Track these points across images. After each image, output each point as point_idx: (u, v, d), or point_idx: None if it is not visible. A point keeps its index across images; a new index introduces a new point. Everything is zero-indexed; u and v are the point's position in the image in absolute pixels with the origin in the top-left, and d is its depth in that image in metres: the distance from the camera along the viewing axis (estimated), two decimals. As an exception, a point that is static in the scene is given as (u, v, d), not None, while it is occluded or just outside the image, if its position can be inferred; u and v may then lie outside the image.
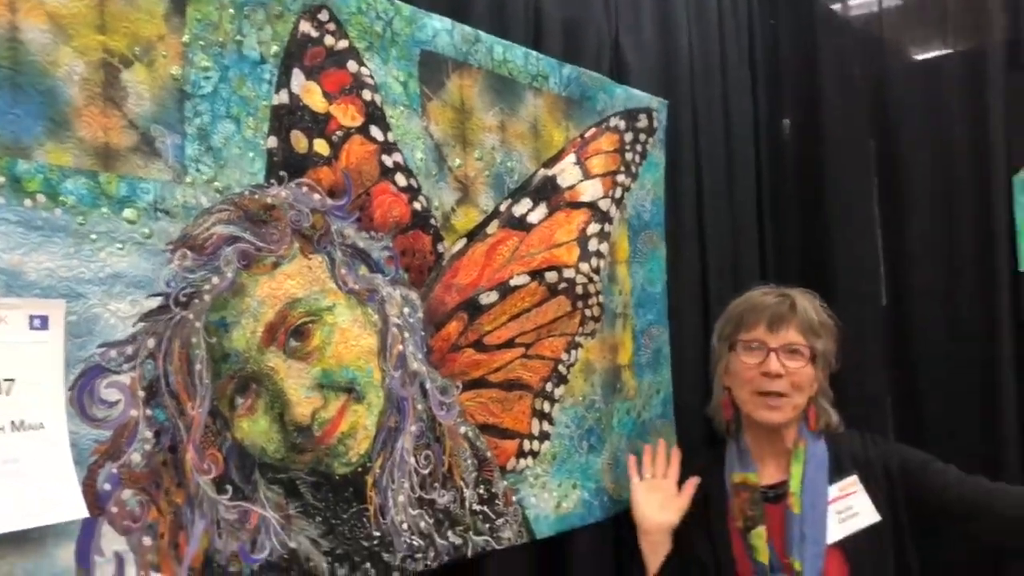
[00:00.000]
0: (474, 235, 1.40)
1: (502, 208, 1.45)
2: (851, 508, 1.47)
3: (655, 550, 1.52)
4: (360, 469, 1.21)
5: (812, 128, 2.17)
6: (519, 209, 1.49)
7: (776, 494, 1.49)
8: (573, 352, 1.59)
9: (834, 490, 1.48)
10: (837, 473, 1.50)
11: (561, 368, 1.56)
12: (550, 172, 1.56)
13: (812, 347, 1.49)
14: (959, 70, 1.98)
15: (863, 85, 2.10)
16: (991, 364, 1.88)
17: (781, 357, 1.47)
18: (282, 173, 1.15)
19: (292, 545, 1.13)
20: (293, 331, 1.14)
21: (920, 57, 2.06)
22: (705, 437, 1.89)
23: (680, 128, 1.91)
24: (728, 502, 1.51)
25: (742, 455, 1.53)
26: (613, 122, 1.71)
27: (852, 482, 1.49)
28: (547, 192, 1.55)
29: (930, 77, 2.03)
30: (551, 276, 1.54)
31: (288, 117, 1.16)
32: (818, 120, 2.15)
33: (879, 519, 1.46)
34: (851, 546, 1.44)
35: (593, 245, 1.64)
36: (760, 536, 1.45)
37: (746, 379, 1.50)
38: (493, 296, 1.43)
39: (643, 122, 1.79)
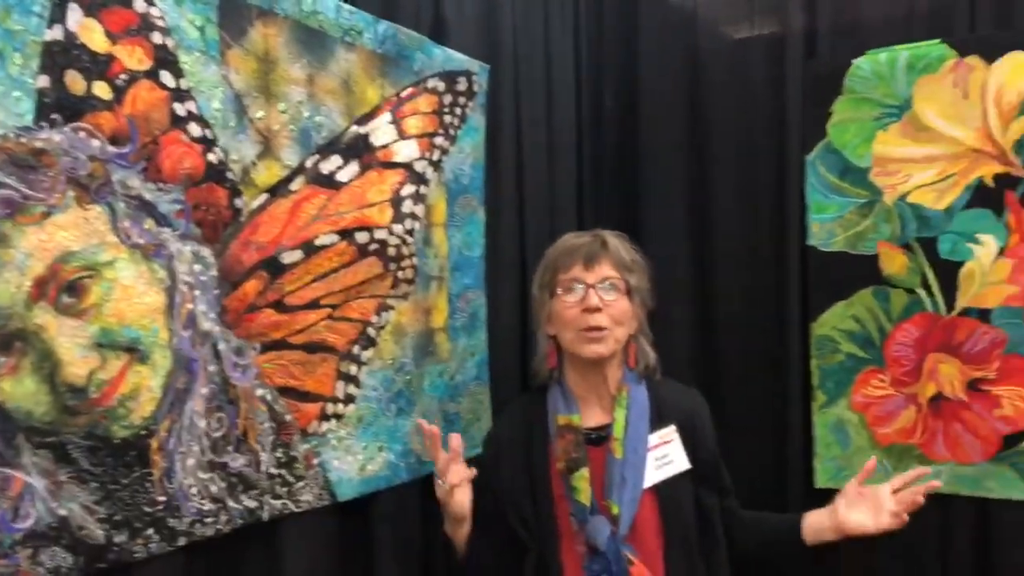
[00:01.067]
0: (276, 191, 1.35)
1: (308, 164, 1.41)
2: (667, 456, 1.53)
3: (457, 530, 1.51)
4: (144, 432, 1.16)
5: (631, 100, 2.23)
6: (327, 166, 1.45)
7: (599, 436, 1.52)
8: (384, 314, 1.58)
9: (654, 438, 1.52)
10: (658, 421, 1.54)
11: (370, 330, 1.55)
12: (363, 130, 1.53)
13: (627, 281, 1.53)
14: (763, 53, 2.09)
15: (680, 60, 2.18)
16: (781, 329, 2.02)
17: (599, 292, 1.49)
18: (55, 116, 1.06)
19: (62, 512, 1.06)
20: (67, 286, 1.07)
21: (731, 36, 2.16)
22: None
23: (502, 94, 1.93)
24: (551, 445, 1.52)
25: (566, 398, 1.53)
26: (431, 83, 1.70)
27: (671, 431, 1.55)
28: (359, 150, 1.52)
29: (738, 57, 2.13)
30: (362, 236, 1.52)
31: (62, 55, 1.07)
32: (637, 93, 2.22)
33: (689, 467, 1.54)
34: (664, 491, 1.50)
35: (407, 207, 1.63)
36: (583, 478, 1.46)
37: (569, 319, 1.50)
38: (297, 255, 1.39)
39: (463, 85, 1.78)
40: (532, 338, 1.90)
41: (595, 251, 1.52)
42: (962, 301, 1.85)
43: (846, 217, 1.95)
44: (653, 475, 1.49)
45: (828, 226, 1.97)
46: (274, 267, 1.35)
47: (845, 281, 1.95)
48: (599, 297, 1.49)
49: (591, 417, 1.54)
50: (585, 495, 1.45)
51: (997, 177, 1.81)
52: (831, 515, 1.56)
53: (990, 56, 1.81)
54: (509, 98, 1.97)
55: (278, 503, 1.34)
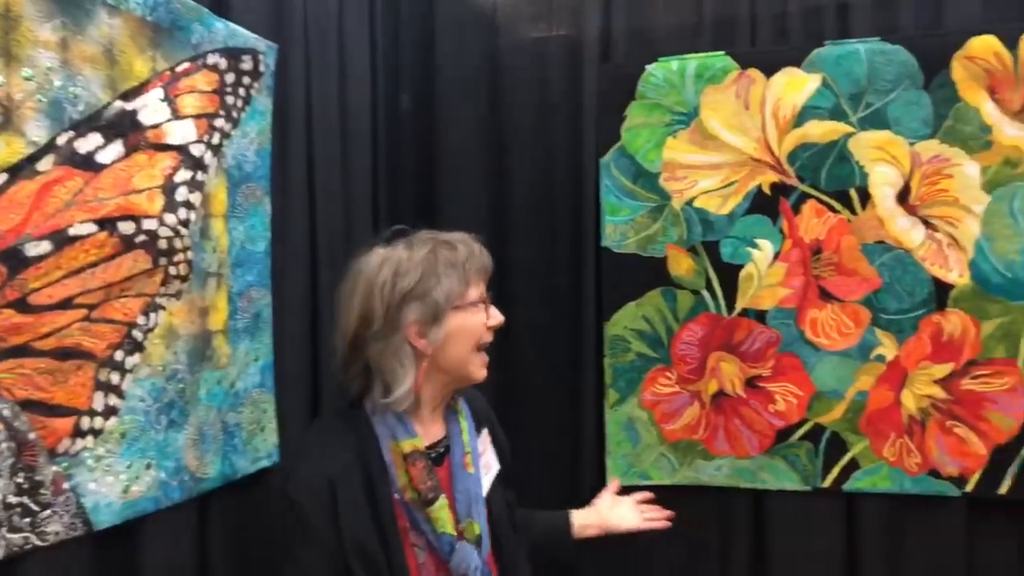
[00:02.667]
0: (18, 171, 1.15)
1: (60, 142, 1.21)
2: (489, 462, 1.46)
3: None
4: None
5: (428, 95, 2.17)
6: (85, 145, 1.26)
7: (439, 454, 1.37)
8: (153, 315, 1.40)
9: (480, 444, 1.45)
10: (477, 427, 1.47)
11: (136, 333, 1.36)
12: (129, 106, 1.34)
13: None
14: (561, 53, 2.10)
15: (477, 57, 2.13)
16: (578, 329, 2.03)
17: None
18: None
19: None
20: None
21: (529, 35, 2.15)
22: (310, 408, 1.81)
23: (291, 77, 1.79)
24: (389, 477, 1.31)
25: (400, 419, 1.33)
26: (212, 59, 1.53)
27: (486, 436, 1.49)
28: (124, 128, 1.33)
29: (536, 56, 2.12)
30: (126, 227, 1.33)
31: None
32: (434, 87, 2.16)
33: (499, 468, 1.48)
34: (491, 499, 1.41)
35: (182, 194, 1.45)
36: (443, 507, 1.30)
37: (479, 338, 1.37)
38: (44, 246, 1.19)
39: (247, 64, 1.63)
40: (323, 341, 1.78)
41: (490, 266, 1.42)
42: (741, 302, 1.94)
43: (638, 220, 2.00)
44: (485, 483, 1.41)
45: (621, 228, 2.00)
46: (14, 260, 1.14)
47: (636, 282, 2.00)
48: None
49: (425, 436, 1.36)
50: (449, 524, 1.30)
51: (773, 186, 1.92)
52: (596, 514, 1.67)
53: (769, 70, 1.92)
54: (299, 82, 1.83)
55: (17, 537, 1.14)
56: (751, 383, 1.94)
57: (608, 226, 2.01)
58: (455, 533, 1.31)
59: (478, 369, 1.39)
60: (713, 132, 1.95)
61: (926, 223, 1.85)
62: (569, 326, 2.05)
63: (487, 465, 1.44)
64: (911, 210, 1.86)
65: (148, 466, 1.37)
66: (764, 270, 1.93)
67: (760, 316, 1.93)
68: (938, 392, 1.84)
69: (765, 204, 1.93)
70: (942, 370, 1.84)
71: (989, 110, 1.81)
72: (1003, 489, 1.80)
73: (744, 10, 1.97)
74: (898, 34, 1.86)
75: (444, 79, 2.15)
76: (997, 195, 1.80)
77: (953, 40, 1.82)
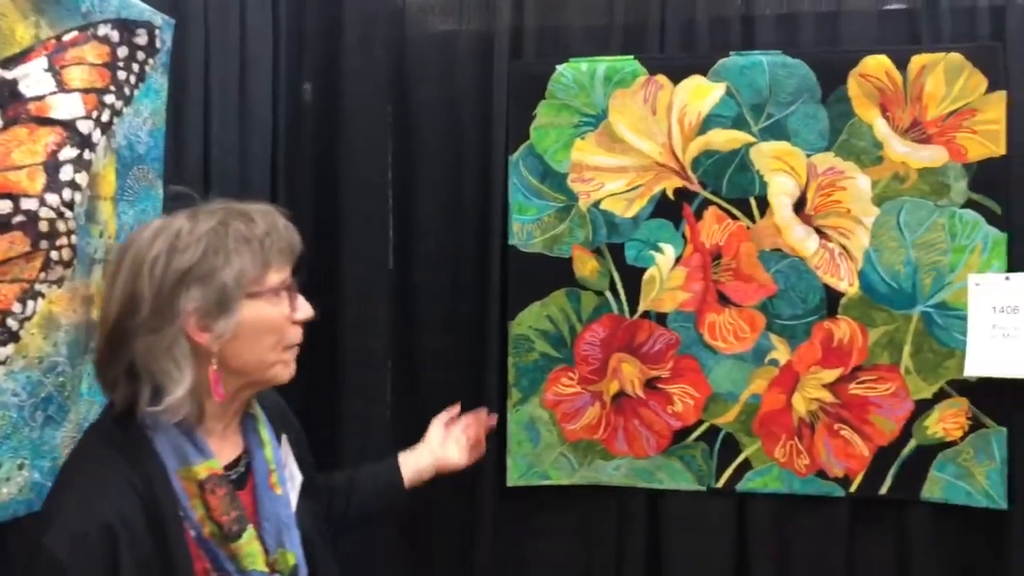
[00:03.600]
0: None
1: (-71, 109, 1.11)
2: (291, 471, 1.23)
3: None
4: None
5: (332, 88, 2.09)
6: (-43, 115, 1.15)
7: (239, 475, 1.14)
8: (30, 303, 1.30)
9: (283, 455, 1.22)
10: (277, 433, 1.23)
11: (11, 322, 1.26)
12: (9, 75, 1.24)
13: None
14: (472, 48, 2.07)
15: (385, 51, 2.08)
16: (482, 327, 2.01)
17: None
18: None
19: None
20: None
21: (439, 29, 2.11)
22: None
23: (189, 56, 1.69)
24: (180, 509, 1.05)
25: (190, 439, 1.07)
26: (103, 31, 1.43)
27: (286, 440, 1.25)
28: (2, 99, 1.23)
29: (446, 51, 2.08)
30: (2, 206, 1.23)
31: None
32: (339, 77, 2.08)
33: (301, 476, 1.25)
34: (298, 513, 1.19)
35: (67, 173, 1.35)
36: (252, 539, 1.08)
37: (279, 333, 1.11)
38: (-93, 224, 1.08)
39: (142, 38, 1.53)
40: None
41: (296, 243, 1.15)
42: (643, 305, 1.97)
43: (544, 220, 1.99)
44: (292, 498, 1.19)
45: (528, 227, 2.00)
46: None
47: (542, 282, 1.99)
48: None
49: (221, 451, 1.12)
50: (259, 558, 1.08)
51: (677, 191, 1.95)
52: (430, 454, 1.52)
53: (676, 77, 1.95)
54: (197, 62, 1.74)
55: None
56: (650, 384, 1.96)
57: (515, 224, 2.00)
58: (266, 569, 1.09)
59: (282, 370, 1.13)
60: (620, 135, 1.97)
61: (820, 233, 1.92)
62: (473, 324, 2.03)
63: (291, 477, 1.22)
64: (806, 220, 1.92)
65: (21, 466, 1.27)
66: (666, 273, 1.96)
67: (661, 319, 1.96)
68: (827, 396, 1.91)
69: (669, 209, 1.96)
70: (831, 375, 1.91)
71: (880, 127, 1.89)
72: (883, 490, 1.88)
73: (654, 16, 1.99)
74: (799, 49, 1.92)
75: (349, 69, 2.08)
76: (886, 208, 1.89)
77: (849, 57, 1.90)
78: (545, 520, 2.02)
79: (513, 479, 1.99)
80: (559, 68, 1.98)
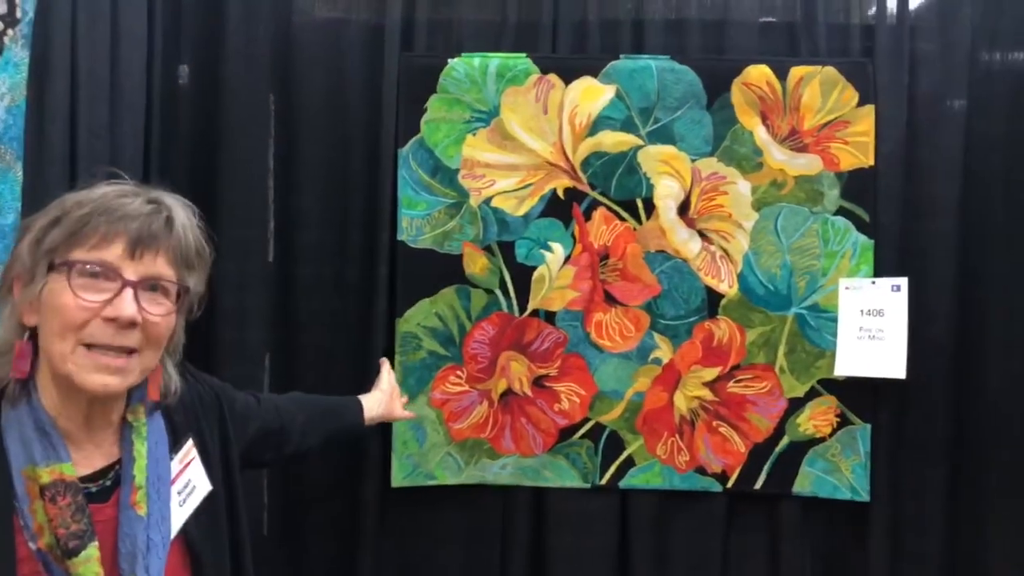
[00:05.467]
0: None
1: None
2: (190, 483, 1.13)
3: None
4: None
5: (211, 70, 1.97)
6: None
7: (102, 488, 1.03)
8: None
9: (175, 465, 1.11)
10: (175, 442, 1.12)
11: None
12: None
13: (182, 285, 1.05)
14: (361, 39, 2.01)
15: (269, 35, 1.98)
16: (368, 323, 1.96)
17: (140, 296, 1.00)
18: None
19: None
20: None
21: (327, 16, 2.04)
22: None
23: (53, 27, 1.57)
24: (16, 516, 0.95)
25: (45, 432, 0.98)
26: (-45, -5, 1.31)
27: (189, 449, 1.15)
28: None
29: (335, 39, 2.01)
30: None
31: None
32: (218, 63, 1.96)
33: (211, 488, 1.16)
34: (192, 530, 1.11)
35: (-90, 151, 1.22)
36: (92, 559, 0.96)
37: (75, 323, 0.97)
38: None
39: (2, 8, 1.41)
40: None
41: (155, 231, 1.01)
42: (533, 303, 1.97)
43: (435, 215, 1.96)
44: (178, 514, 1.09)
45: (417, 222, 1.96)
46: None
47: (431, 278, 1.96)
48: (140, 306, 0.99)
49: (85, 460, 1.03)
50: None
51: (567, 191, 1.97)
52: (386, 403, 1.75)
53: (568, 77, 1.96)
54: (63, 36, 1.62)
55: None
56: (538, 382, 1.97)
57: (404, 219, 1.95)
58: None
59: (78, 373, 0.98)
60: (512, 133, 1.96)
61: (703, 235, 1.97)
62: (359, 320, 1.97)
63: (186, 489, 1.11)
64: (690, 223, 1.97)
65: None
66: (555, 272, 1.97)
67: (550, 317, 1.97)
68: (707, 394, 1.97)
69: (559, 208, 1.97)
70: (711, 373, 1.96)
71: (761, 134, 1.96)
72: (758, 484, 1.96)
73: (547, 16, 1.99)
74: (686, 55, 1.97)
75: (230, 52, 1.96)
76: (764, 213, 1.96)
77: (733, 65, 1.96)
78: (430, 520, 1.98)
79: (398, 480, 1.95)
80: (451, 62, 1.96)
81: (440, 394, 1.96)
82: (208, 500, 1.14)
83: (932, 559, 1.96)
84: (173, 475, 1.09)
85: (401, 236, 1.95)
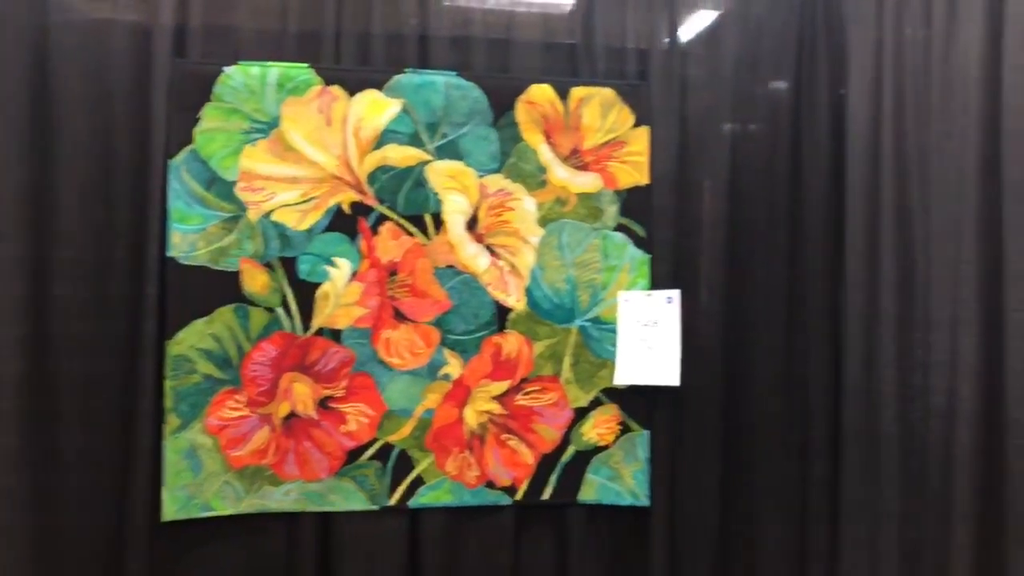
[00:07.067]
0: None
1: None
2: None
3: None
4: None
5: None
6: None
7: None
8: None
9: None
10: None
11: None
12: None
13: None
14: (127, 42, 1.87)
15: (23, 34, 1.80)
16: (135, 346, 1.82)
17: None
18: None
19: None
20: None
21: (89, 16, 1.88)
22: None
23: None
24: None
25: None
26: None
27: None
28: None
29: (98, 41, 1.86)
30: None
31: None
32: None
33: None
34: None
35: None
36: None
37: None
38: None
39: None
40: None
41: None
42: (317, 321, 1.90)
43: (209, 230, 1.85)
44: None
45: (190, 238, 1.85)
46: None
47: (206, 297, 1.85)
48: None
49: None
50: None
51: (353, 205, 1.92)
52: None
53: (352, 89, 1.92)
54: None
55: None
56: (324, 404, 1.90)
57: (175, 234, 1.83)
58: None
59: None
60: (294, 145, 1.89)
61: (491, 251, 1.98)
62: (125, 343, 1.82)
63: None
64: (478, 238, 1.98)
65: None
66: (341, 289, 1.91)
67: (335, 335, 1.91)
68: (496, 408, 1.97)
69: (344, 223, 1.92)
70: (500, 387, 1.98)
71: (545, 152, 2.00)
72: (546, 495, 1.99)
73: (329, 27, 1.94)
74: (472, 72, 1.98)
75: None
76: (549, 229, 2.00)
77: (518, 84, 1.99)
78: (208, 555, 1.86)
79: (170, 513, 1.82)
80: (227, 70, 1.86)
81: (217, 420, 1.85)
82: None
83: (708, 557, 2.06)
84: None
85: (171, 252, 1.83)
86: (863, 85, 1.97)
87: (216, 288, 1.85)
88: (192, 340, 1.83)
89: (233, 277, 1.86)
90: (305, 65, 1.90)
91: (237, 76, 1.87)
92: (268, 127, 1.88)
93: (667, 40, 2.09)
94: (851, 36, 2.03)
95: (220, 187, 1.86)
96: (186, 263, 1.84)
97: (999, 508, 1.61)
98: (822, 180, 2.08)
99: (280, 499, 1.88)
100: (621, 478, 2.01)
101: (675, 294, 2.00)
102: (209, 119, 1.86)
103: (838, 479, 2.00)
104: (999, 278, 1.63)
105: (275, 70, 1.88)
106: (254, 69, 1.88)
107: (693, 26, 2.14)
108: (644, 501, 2.01)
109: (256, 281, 1.87)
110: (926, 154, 1.82)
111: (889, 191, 1.89)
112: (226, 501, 1.85)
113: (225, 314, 1.86)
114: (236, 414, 1.86)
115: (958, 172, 1.71)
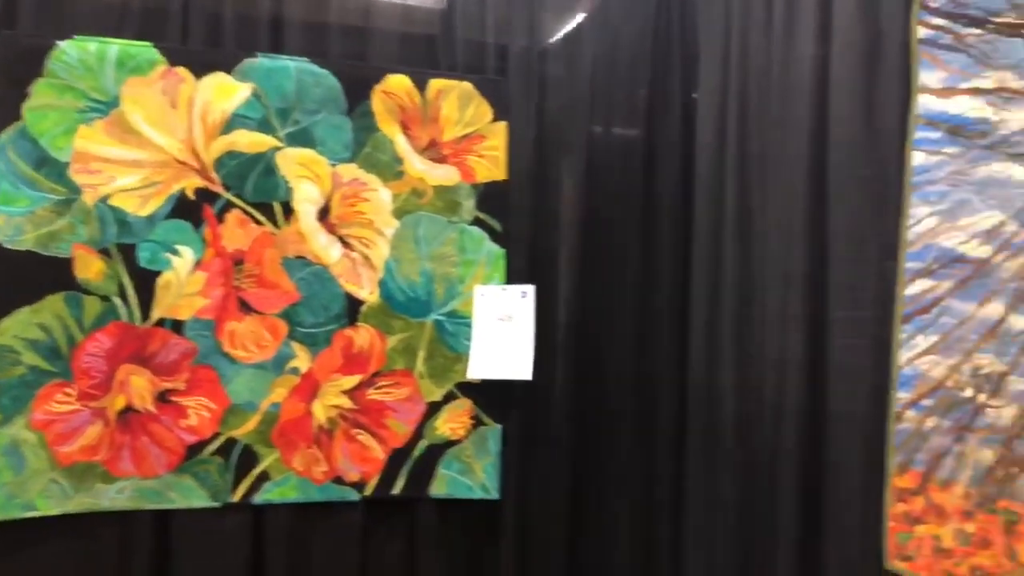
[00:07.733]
0: None
1: None
2: None
3: None
4: None
5: None
6: None
7: None
8: None
9: None
10: None
11: None
12: None
13: None
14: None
15: None
16: None
17: None
18: None
19: None
20: None
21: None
22: None
23: None
24: None
25: None
26: None
27: None
28: None
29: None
30: None
31: None
32: None
33: None
34: None
35: None
36: None
37: None
38: None
39: None
40: None
41: None
42: (157, 311, 1.82)
43: (38, 213, 1.75)
44: None
45: (16, 221, 1.74)
46: None
47: (33, 284, 1.75)
48: None
49: None
50: None
51: (198, 191, 1.85)
52: None
53: (199, 71, 1.84)
54: None
55: None
56: (163, 397, 1.83)
57: (0, 217, 1.72)
58: None
59: None
60: (135, 126, 1.81)
61: (343, 242, 1.95)
62: None
63: None
64: (330, 228, 1.94)
65: None
66: (184, 278, 1.84)
67: (177, 326, 1.84)
68: (346, 402, 1.94)
69: (188, 209, 1.84)
70: (351, 381, 1.95)
71: (401, 143, 1.98)
72: (396, 490, 1.97)
73: (176, 4, 1.86)
74: (326, 59, 1.94)
75: None
76: (405, 221, 1.98)
77: (374, 73, 1.96)
78: (31, 558, 1.76)
79: (-9, 513, 1.71)
80: (61, 44, 1.76)
81: (42, 415, 1.74)
82: None
83: (558, 549, 2.09)
84: None
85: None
86: (711, 91, 2.03)
87: (45, 274, 1.75)
88: (16, 329, 1.72)
89: (65, 263, 1.76)
90: (148, 44, 1.82)
91: (72, 51, 1.76)
92: (107, 107, 1.79)
93: (527, 38, 2.11)
94: (702, 43, 2.09)
95: (52, 168, 1.75)
96: (11, 247, 1.73)
97: (818, 495, 1.69)
98: (674, 181, 2.13)
99: (113, 497, 1.79)
100: (472, 472, 2.01)
101: (530, 289, 2.02)
102: (40, 95, 1.75)
103: (682, 471, 2.06)
104: (824, 279, 1.71)
105: (115, 47, 1.79)
106: (92, 45, 1.78)
107: (554, 27, 2.16)
108: (494, 495, 2.02)
109: (90, 268, 1.78)
110: (764, 159, 1.89)
111: (732, 193, 1.96)
112: (52, 500, 1.75)
113: (55, 302, 1.75)
114: (65, 408, 1.76)
115: (790, 177, 1.79)
